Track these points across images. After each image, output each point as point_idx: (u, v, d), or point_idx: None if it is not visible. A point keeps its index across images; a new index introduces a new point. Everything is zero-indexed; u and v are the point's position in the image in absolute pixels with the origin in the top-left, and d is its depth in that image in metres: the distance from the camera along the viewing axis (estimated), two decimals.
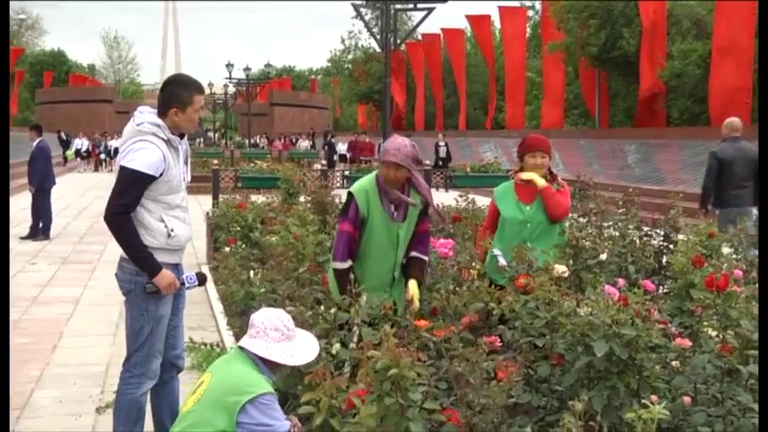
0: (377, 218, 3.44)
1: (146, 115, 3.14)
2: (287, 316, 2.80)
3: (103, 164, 30.46)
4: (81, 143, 30.23)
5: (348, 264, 3.44)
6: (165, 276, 3.09)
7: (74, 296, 7.21)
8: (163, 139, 3.10)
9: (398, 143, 3.41)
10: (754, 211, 6.65)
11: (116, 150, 27.43)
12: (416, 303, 3.39)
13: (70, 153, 28.99)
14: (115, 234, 3.08)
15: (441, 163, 21.16)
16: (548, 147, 3.85)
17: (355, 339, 3.16)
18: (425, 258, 3.54)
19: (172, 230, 3.14)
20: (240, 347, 2.74)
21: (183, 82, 3.22)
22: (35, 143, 11.13)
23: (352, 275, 3.28)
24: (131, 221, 3.06)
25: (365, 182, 3.53)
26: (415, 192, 3.49)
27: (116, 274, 3.21)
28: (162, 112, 3.15)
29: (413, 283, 3.44)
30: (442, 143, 22.52)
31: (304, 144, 31.34)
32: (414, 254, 3.52)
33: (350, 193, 3.51)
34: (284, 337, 2.69)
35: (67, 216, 13.93)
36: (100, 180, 24.20)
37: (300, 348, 2.73)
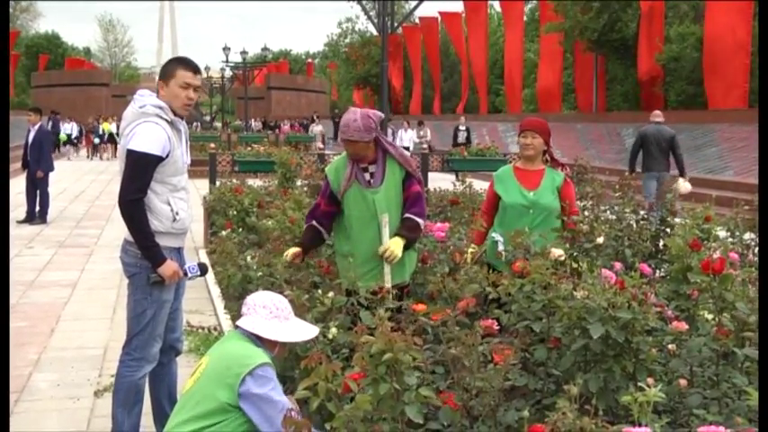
0: (350, 189, 3.53)
1: (147, 98, 3.14)
2: (280, 299, 2.80)
3: (97, 150, 27.64)
4: (71, 128, 27.34)
5: (310, 223, 3.63)
6: (170, 266, 3.10)
7: (71, 280, 7.21)
8: (166, 120, 3.10)
9: (348, 119, 3.47)
10: (667, 174, 9.76)
11: (110, 135, 25.77)
12: (393, 252, 3.40)
13: (63, 136, 26.68)
14: (129, 220, 3.07)
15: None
16: (539, 127, 3.79)
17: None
18: (417, 219, 3.56)
19: (177, 213, 3.14)
20: (236, 328, 2.78)
21: (173, 58, 3.29)
22: (36, 127, 11.08)
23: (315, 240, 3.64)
24: (145, 209, 3.06)
25: (337, 159, 3.69)
26: (391, 158, 3.56)
27: (120, 257, 3.21)
28: (156, 91, 3.17)
29: (393, 240, 3.45)
30: (462, 127, 19.59)
31: (317, 128, 28.07)
32: (405, 215, 3.57)
33: (324, 173, 3.72)
34: (273, 316, 2.70)
35: (64, 200, 13.90)
36: (96, 165, 24.01)
37: (291, 330, 2.73)
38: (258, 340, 2.69)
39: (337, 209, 3.59)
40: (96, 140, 27.64)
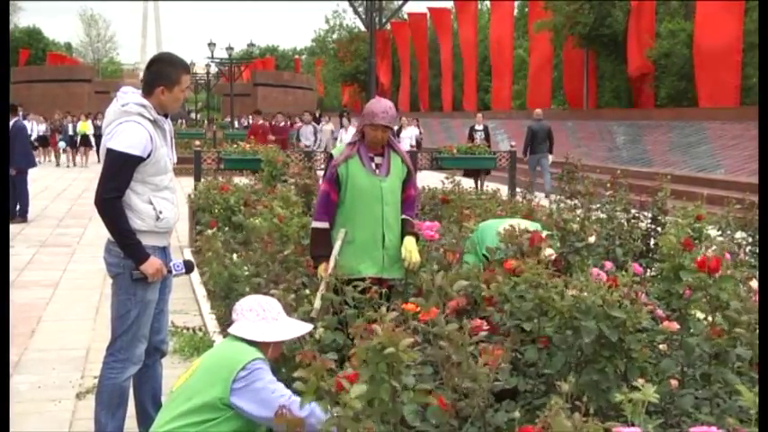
0: (357, 170, 3.58)
1: (130, 95, 3.07)
2: (267, 300, 2.81)
3: (65, 155, 22.18)
4: (31, 128, 19.47)
5: (321, 225, 3.61)
6: (153, 263, 3.04)
7: (53, 280, 7.10)
8: (149, 120, 3.04)
9: (385, 105, 3.57)
10: (549, 156, 14.46)
11: (83, 138, 21.70)
12: (416, 257, 3.55)
13: None
14: (106, 220, 3.02)
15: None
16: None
17: (317, 305, 3.19)
18: (413, 221, 3.74)
19: (160, 213, 3.08)
20: (227, 335, 2.80)
21: (171, 60, 3.16)
22: (12, 123, 10.96)
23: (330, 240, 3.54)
24: (122, 207, 3.01)
25: (345, 143, 3.81)
26: (395, 154, 3.66)
27: (104, 257, 3.16)
28: (148, 91, 3.08)
29: (408, 240, 3.59)
30: (479, 126, 15.47)
31: (327, 128, 25.30)
32: (404, 216, 3.70)
33: (330, 154, 3.75)
34: (260, 318, 2.72)
35: (45, 198, 13.73)
36: (68, 170, 20.53)
37: (279, 329, 2.74)
38: (251, 343, 2.69)
39: (337, 192, 3.62)
40: (62, 144, 22.14)
